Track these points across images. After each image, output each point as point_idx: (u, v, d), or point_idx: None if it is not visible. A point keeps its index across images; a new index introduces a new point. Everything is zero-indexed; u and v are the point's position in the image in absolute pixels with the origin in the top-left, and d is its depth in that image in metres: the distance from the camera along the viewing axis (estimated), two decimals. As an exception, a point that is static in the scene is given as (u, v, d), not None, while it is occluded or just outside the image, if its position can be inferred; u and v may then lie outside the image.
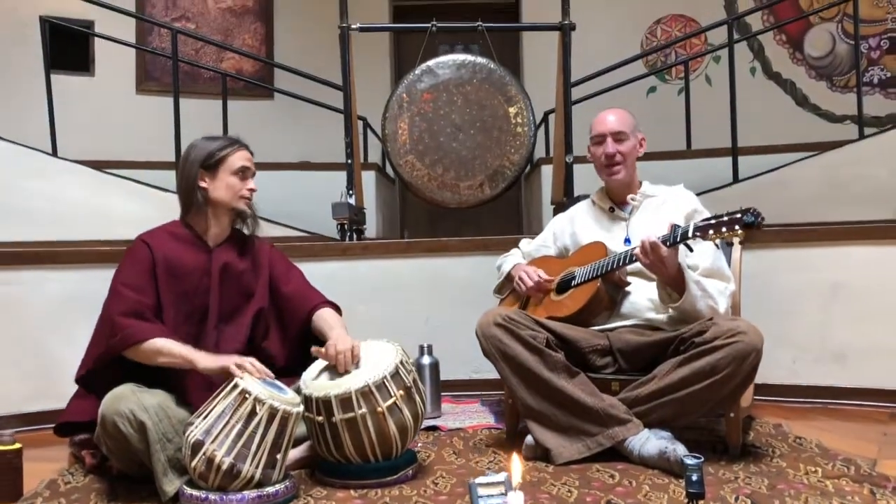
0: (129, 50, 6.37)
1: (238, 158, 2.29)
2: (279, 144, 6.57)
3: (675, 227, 2.20)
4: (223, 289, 2.27)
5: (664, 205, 2.58)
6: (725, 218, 2.08)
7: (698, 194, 4.60)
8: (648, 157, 4.53)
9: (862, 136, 4.90)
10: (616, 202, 2.66)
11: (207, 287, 2.24)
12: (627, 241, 2.54)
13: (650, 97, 6.86)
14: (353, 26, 3.81)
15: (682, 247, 2.21)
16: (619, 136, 2.57)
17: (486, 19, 5.11)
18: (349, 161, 3.75)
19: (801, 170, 4.56)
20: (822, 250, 3.07)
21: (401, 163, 3.95)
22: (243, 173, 2.29)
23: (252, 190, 2.32)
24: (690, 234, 2.15)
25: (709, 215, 2.49)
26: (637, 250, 2.24)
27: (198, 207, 2.26)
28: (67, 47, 6.03)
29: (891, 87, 6.38)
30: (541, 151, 6.00)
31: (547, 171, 5.22)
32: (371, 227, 5.35)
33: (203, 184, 2.26)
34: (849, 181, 4.37)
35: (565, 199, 3.87)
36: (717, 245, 2.29)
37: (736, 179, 4.80)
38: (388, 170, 6.01)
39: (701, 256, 2.34)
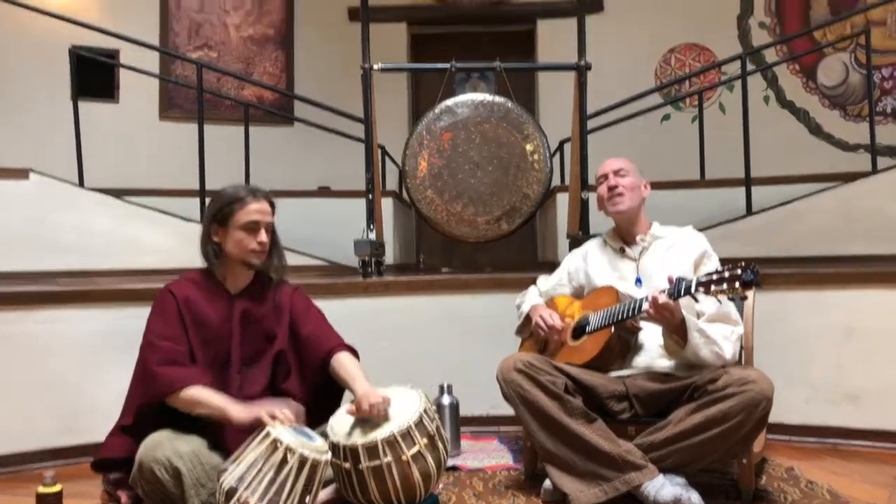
0: (154, 77, 6.52)
1: (247, 213, 2.31)
2: (299, 170, 6.70)
3: (678, 281, 2.26)
4: (244, 335, 2.35)
5: (674, 247, 2.65)
6: (726, 274, 2.13)
7: (712, 226, 4.76)
8: (662, 185, 4.64)
9: (875, 167, 4.96)
10: (626, 242, 2.74)
11: (229, 334, 2.33)
12: (638, 281, 2.64)
13: (664, 124, 6.93)
14: (375, 67, 3.91)
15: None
16: (620, 173, 2.70)
17: (501, 48, 5.19)
18: (370, 196, 3.85)
19: (814, 203, 4.59)
20: (836, 293, 3.12)
21: (420, 198, 4.04)
22: (253, 227, 2.31)
23: (262, 243, 2.32)
24: (694, 290, 2.21)
25: (717, 260, 2.58)
26: (646, 306, 2.31)
27: (212, 258, 2.34)
28: (93, 76, 6.17)
29: (904, 116, 6.43)
30: (556, 180, 6.07)
31: (562, 200, 5.28)
32: (389, 253, 5.43)
33: (216, 238, 2.33)
34: (863, 215, 4.40)
35: (580, 233, 3.96)
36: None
37: (749, 212, 4.86)
38: (405, 195, 6.10)
39: (707, 302, 2.40)
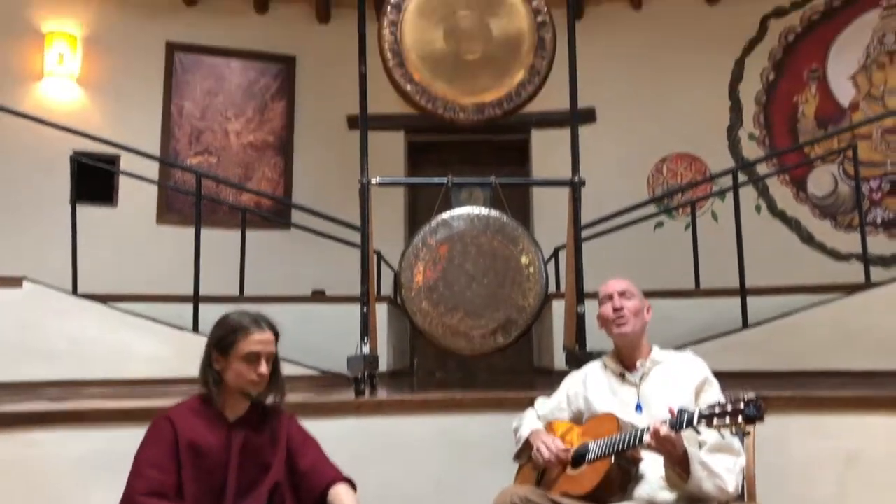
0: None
1: (249, 344, 2.27)
2: (295, 273, 6.72)
3: (680, 413, 2.22)
4: (241, 465, 2.28)
5: (675, 373, 2.61)
6: (729, 408, 2.09)
7: (709, 338, 4.73)
8: (657, 294, 4.65)
9: (868, 278, 5.00)
10: (626, 366, 2.70)
11: (226, 463, 2.26)
12: (639, 407, 2.58)
13: (658, 231, 7.01)
14: (373, 181, 3.97)
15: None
16: (625, 295, 2.67)
17: (497, 155, 5.22)
18: (364, 310, 3.84)
19: (810, 316, 4.61)
20: (837, 418, 3.07)
21: (415, 310, 4.03)
22: (254, 359, 2.28)
23: (262, 375, 2.28)
24: (696, 422, 2.17)
25: (718, 388, 2.54)
26: (647, 437, 2.26)
27: (211, 386, 2.30)
28: (93, 181, 6.24)
29: (894, 227, 6.51)
30: (552, 286, 6.09)
31: (558, 307, 5.28)
32: (383, 360, 5.38)
33: (217, 365, 2.30)
34: (859, 330, 4.41)
35: (577, 346, 3.93)
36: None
37: (746, 324, 4.86)
38: (400, 304, 6.10)
39: (708, 432, 2.35)
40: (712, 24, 7.23)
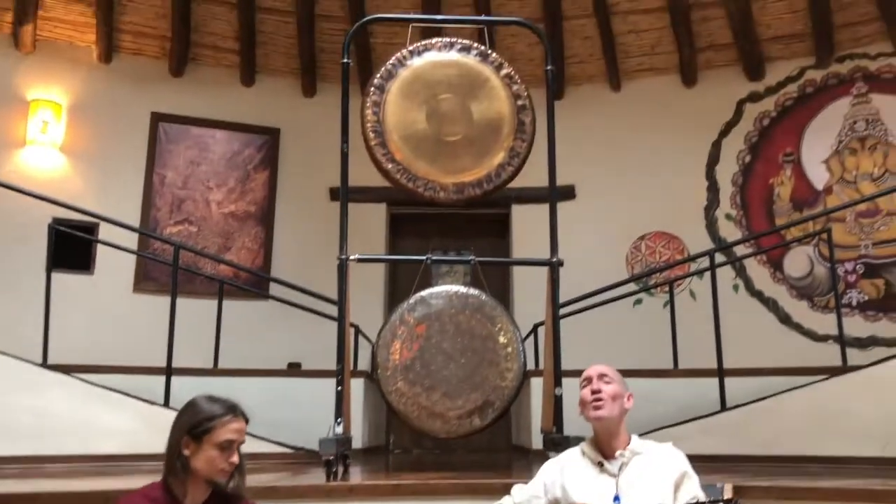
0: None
1: (225, 431, 2.24)
2: (271, 344, 6.64)
3: (661, 511, 2.19)
4: (197, 552, 2.21)
5: (654, 465, 2.58)
6: (708, 507, 2.07)
7: (688, 421, 4.70)
8: (637, 374, 4.63)
9: (844, 362, 5.01)
10: (605, 454, 2.66)
11: (185, 552, 2.19)
12: (616, 499, 2.53)
13: (636, 308, 7.01)
14: (352, 257, 3.97)
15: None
16: (605, 378, 2.65)
17: (478, 228, 5.15)
18: (339, 389, 3.78)
19: (787, 400, 4.61)
20: (815, 511, 3.04)
21: (390, 390, 3.98)
22: (228, 447, 2.24)
23: (233, 463, 2.24)
24: (677, 522, 2.13)
25: (697, 482, 2.51)
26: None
27: (178, 472, 2.24)
28: (70, 248, 6.19)
29: (869, 309, 6.56)
30: (531, 362, 6.05)
31: (536, 385, 5.24)
32: (357, 436, 5.30)
33: (186, 451, 2.24)
34: (836, 415, 4.40)
35: (554, 428, 3.89)
36: None
37: (724, 407, 4.84)
38: (375, 378, 6.03)
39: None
40: (690, 107, 7.41)
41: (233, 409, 2.29)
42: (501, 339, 4.05)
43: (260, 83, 7.57)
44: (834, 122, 7.00)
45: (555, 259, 4.04)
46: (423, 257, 4.07)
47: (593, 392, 2.63)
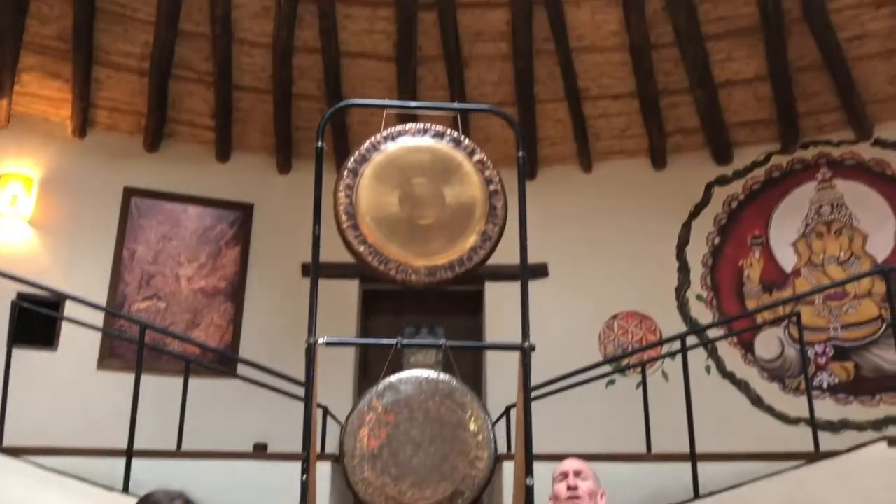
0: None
1: None
2: (237, 423, 6.49)
3: None
4: None
5: (626, 564, 2.52)
6: None
7: (659, 509, 4.62)
8: (608, 458, 4.54)
9: (816, 447, 4.98)
10: (578, 559, 2.60)
11: None
12: None
13: (609, 389, 6.97)
14: (320, 341, 3.90)
15: None
16: (581, 475, 2.64)
17: (451, 304, 5.06)
18: (304, 478, 3.66)
19: (760, 487, 4.53)
20: None
21: (356, 480, 3.85)
22: None
23: None
24: None
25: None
26: None
27: None
28: (34, 324, 6.06)
29: (840, 392, 6.58)
30: (503, 447, 5.95)
31: (508, 469, 5.14)
32: (325, 523, 5.13)
33: None
34: (808, 502, 4.35)
35: (526, 519, 3.79)
36: None
37: (697, 494, 4.76)
38: (341, 466, 5.89)
39: None
40: (659, 189, 7.53)
41: None
42: (472, 427, 3.96)
43: (235, 159, 7.61)
44: (800, 206, 7.16)
45: (527, 344, 4.00)
46: (394, 340, 4.01)
47: (569, 488, 2.62)
